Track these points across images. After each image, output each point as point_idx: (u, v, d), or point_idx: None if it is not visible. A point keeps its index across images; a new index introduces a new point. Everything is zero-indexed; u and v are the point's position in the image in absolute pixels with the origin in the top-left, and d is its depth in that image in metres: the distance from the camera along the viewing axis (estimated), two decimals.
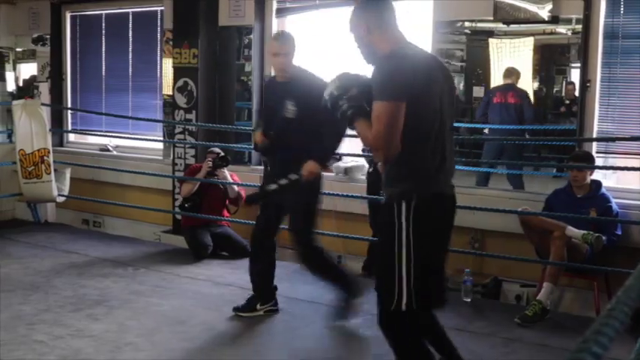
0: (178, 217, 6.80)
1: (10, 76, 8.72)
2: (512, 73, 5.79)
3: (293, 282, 5.43)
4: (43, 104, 7.27)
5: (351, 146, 6.01)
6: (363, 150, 5.91)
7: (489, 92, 5.99)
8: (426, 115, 2.83)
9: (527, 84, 5.79)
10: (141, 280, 5.45)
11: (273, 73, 5.09)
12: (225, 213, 6.38)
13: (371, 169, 5.87)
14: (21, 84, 8.77)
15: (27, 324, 4.39)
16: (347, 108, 2.91)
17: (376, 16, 2.99)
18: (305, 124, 4.27)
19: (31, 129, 6.89)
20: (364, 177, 6.08)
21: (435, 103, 2.87)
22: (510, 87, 5.81)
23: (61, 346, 4.07)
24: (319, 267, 4.57)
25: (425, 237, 2.82)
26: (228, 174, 6.23)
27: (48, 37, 8.30)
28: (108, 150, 7.91)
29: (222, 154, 6.21)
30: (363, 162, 6.17)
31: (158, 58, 7.52)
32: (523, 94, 5.78)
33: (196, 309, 4.78)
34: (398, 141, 2.76)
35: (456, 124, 5.95)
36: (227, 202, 6.33)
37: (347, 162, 6.23)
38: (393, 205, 2.84)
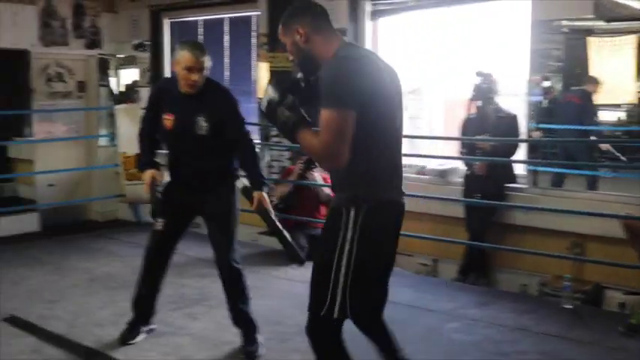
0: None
1: (112, 81, 9.05)
2: (590, 80, 5.70)
3: (390, 285, 5.42)
4: (143, 108, 7.48)
5: (447, 148, 5.95)
6: (461, 152, 5.85)
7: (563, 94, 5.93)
8: (377, 119, 2.64)
9: (630, 83, 5.59)
10: None
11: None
12: (320, 215, 6.42)
13: (468, 172, 5.81)
14: (122, 89, 9.08)
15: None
16: (287, 118, 2.67)
17: (311, 21, 2.76)
18: (217, 140, 3.93)
19: (132, 132, 7.10)
20: (460, 179, 6.01)
21: (386, 107, 2.70)
22: (581, 92, 5.72)
23: (163, 342, 4.20)
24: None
25: (370, 245, 2.68)
26: (318, 176, 6.28)
27: (148, 43, 8.56)
28: None
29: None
30: (459, 164, 6.10)
31: (253, 62, 7.64)
32: (587, 96, 5.69)
33: (292, 310, 4.82)
34: (347, 151, 2.55)
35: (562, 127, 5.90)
36: (320, 204, 6.37)
37: (443, 164, 6.17)
38: (342, 210, 2.68)
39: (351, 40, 6.63)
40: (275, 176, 6.90)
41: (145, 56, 8.59)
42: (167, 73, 8.56)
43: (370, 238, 2.67)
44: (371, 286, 2.81)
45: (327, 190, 6.27)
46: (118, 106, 7.47)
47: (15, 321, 4.62)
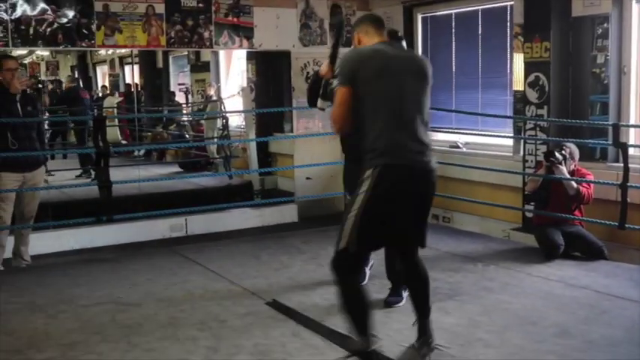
0: (528, 214, 6.67)
1: None
2: None
3: None
4: None
5: None
6: None
7: None
8: (374, 97, 3.48)
9: None
10: (490, 277, 5.45)
11: None
12: (577, 212, 6.10)
13: None
14: None
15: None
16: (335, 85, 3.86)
17: (364, 29, 3.85)
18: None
19: None
20: None
21: (386, 86, 3.49)
22: None
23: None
24: None
25: (378, 198, 3.44)
26: (564, 170, 5.97)
27: None
28: (457, 147, 8.01)
29: (555, 150, 6.01)
30: None
31: (508, 54, 7.43)
32: None
33: (548, 310, 4.65)
34: (346, 119, 3.52)
35: None
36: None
37: None
38: (364, 171, 3.49)
39: (614, 26, 6.23)
40: (529, 170, 6.67)
41: None
42: None
43: (378, 193, 3.45)
44: (372, 230, 3.52)
45: (575, 185, 5.94)
46: None
47: (277, 305, 4.91)
